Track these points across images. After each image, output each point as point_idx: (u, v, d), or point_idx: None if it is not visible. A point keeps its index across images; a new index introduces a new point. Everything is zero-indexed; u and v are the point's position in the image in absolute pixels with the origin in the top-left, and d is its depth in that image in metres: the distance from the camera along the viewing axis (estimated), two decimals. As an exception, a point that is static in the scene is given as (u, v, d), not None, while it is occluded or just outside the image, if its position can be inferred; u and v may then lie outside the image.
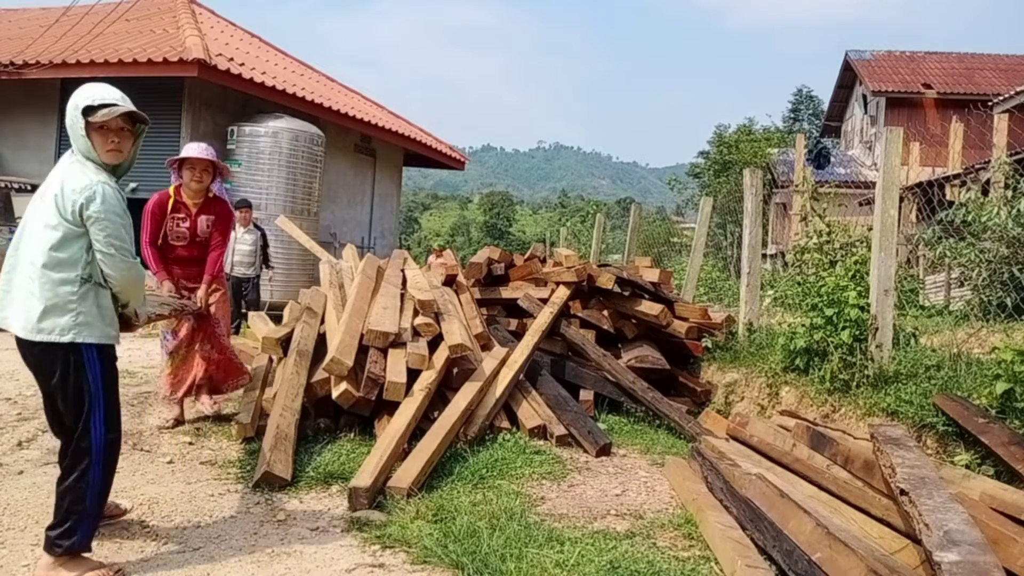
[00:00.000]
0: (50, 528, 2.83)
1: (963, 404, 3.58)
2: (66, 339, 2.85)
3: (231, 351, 5.04)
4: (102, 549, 3.11)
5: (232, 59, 11.69)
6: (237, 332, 8.52)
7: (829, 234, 6.09)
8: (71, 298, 2.84)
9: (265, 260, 9.37)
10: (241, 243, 9.04)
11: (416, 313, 5.38)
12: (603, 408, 5.70)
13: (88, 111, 2.89)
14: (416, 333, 5.17)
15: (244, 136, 11.32)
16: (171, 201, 5.00)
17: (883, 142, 4.60)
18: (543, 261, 6.99)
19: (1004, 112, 14.18)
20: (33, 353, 2.88)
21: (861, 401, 4.24)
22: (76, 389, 2.94)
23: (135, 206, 11.52)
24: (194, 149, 5.02)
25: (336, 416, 4.85)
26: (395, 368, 4.73)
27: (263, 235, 9.28)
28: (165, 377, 5.05)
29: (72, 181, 2.82)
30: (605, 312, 6.26)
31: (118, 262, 2.89)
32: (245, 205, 9.33)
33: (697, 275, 8.98)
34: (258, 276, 9.30)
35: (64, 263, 2.83)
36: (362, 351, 4.86)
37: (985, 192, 8.59)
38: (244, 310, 8.98)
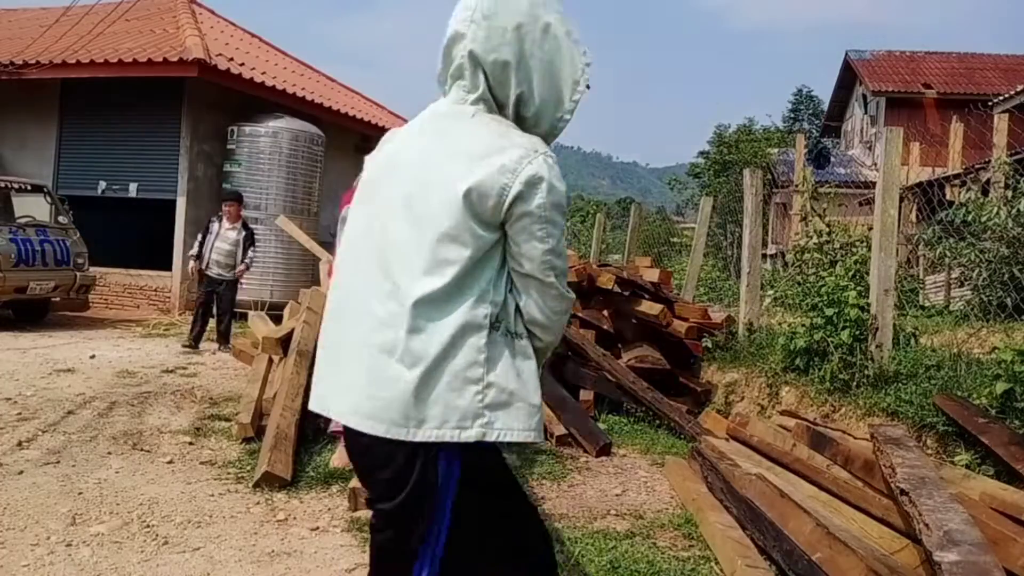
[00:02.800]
0: None
1: (963, 404, 3.58)
2: (467, 435, 1.53)
3: None
4: (102, 549, 3.11)
5: (232, 59, 11.69)
6: (222, 338, 8.33)
7: (829, 234, 6.09)
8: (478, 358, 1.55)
9: (243, 258, 8.44)
10: (223, 240, 8.29)
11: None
12: (603, 408, 5.70)
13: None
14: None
15: (244, 136, 11.32)
16: None
17: (883, 142, 4.60)
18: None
19: (1004, 112, 14.17)
20: (396, 460, 1.58)
21: (861, 401, 4.24)
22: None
23: (136, 206, 11.39)
24: None
25: (336, 416, 4.84)
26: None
27: (250, 235, 8.52)
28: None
29: (509, 152, 1.57)
30: (605, 312, 6.25)
31: (560, 297, 1.63)
32: (234, 198, 8.66)
33: (697, 275, 8.98)
34: (236, 280, 8.49)
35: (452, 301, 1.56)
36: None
37: (985, 192, 8.59)
38: (216, 314, 8.40)
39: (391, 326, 1.53)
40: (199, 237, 8.51)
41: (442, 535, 1.58)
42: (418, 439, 1.51)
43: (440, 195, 1.54)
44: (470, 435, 1.51)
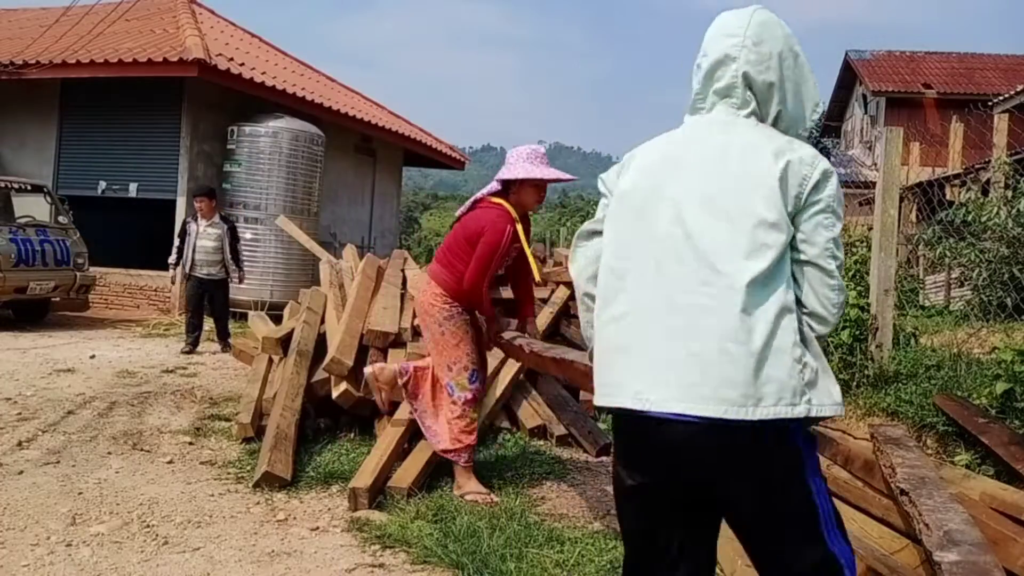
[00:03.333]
0: None
1: (963, 404, 3.58)
2: (798, 411, 1.61)
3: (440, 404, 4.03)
4: (102, 549, 3.11)
5: (232, 59, 11.69)
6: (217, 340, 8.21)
7: (829, 234, 6.08)
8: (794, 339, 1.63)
9: (235, 258, 8.20)
10: (204, 238, 7.97)
11: (415, 314, 5.37)
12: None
13: None
14: (416, 333, 5.17)
15: (244, 136, 11.32)
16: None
17: (883, 142, 4.60)
18: (543, 261, 6.99)
19: (1004, 112, 14.17)
20: (736, 443, 1.61)
21: (861, 401, 4.24)
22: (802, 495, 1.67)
23: (136, 206, 11.36)
24: (541, 160, 3.91)
25: (336, 416, 4.85)
26: (395, 368, 4.72)
27: (231, 229, 8.24)
28: (467, 431, 3.90)
29: (799, 148, 1.71)
30: (605, 312, 6.24)
31: (839, 289, 1.74)
32: (204, 193, 8.19)
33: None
34: (226, 278, 8.22)
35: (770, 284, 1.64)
36: (362, 351, 4.86)
37: (985, 192, 8.59)
38: (213, 317, 8.25)
39: (717, 311, 1.61)
40: (176, 241, 8.18)
41: (827, 505, 1.67)
42: (757, 417, 1.57)
43: (751, 185, 1.66)
44: (800, 411, 1.60)
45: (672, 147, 1.81)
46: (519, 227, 3.86)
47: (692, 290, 1.64)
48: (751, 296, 1.60)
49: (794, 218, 1.67)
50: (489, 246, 3.77)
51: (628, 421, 1.72)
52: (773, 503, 1.64)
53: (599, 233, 1.88)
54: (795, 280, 1.70)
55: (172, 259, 8.17)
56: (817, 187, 1.67)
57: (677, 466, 1.66)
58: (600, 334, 1.79)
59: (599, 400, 1.79)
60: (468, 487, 3.82)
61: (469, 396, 3.92)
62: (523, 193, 3.92)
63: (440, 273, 3.98)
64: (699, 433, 1.60)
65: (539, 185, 3.96)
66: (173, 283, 8.45)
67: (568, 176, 4.26)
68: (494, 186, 3.98)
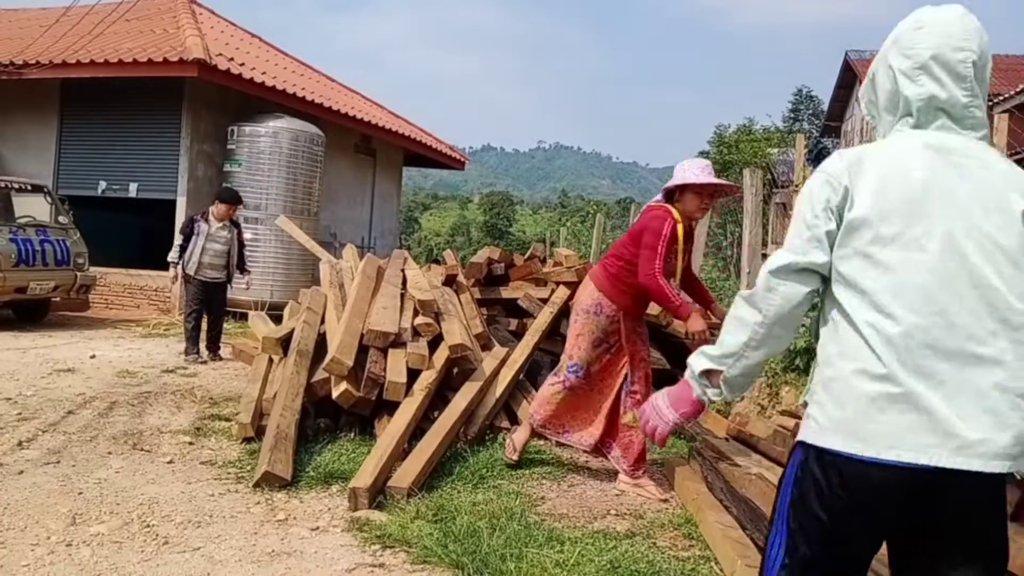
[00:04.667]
0: None
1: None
2: None
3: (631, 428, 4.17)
4: (102, 549, 3.11)
5: (232, 59, 11.69)
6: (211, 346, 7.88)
7: (829, 234, 6.09)
8: None
9: (240, 263, 8.02)
10: (214, 240, 7.71)
11: (416, 313, 5.38)
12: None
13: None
14: (416, 333, 5.17)
15: (244, 136, 11.32)
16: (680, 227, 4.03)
17: (883, 142, 4.59)
18: (543, 261, 6.99)
19: (1004, 112, 14.17)
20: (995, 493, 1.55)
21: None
22: None
23: (136, 206, 11.31)
24: (704, 169, 4.04)
25: (336, 416, 4.85)
26: (395, 368, 4.73)
27: (239, 234, 8.04)
28: (544, 405, 4.29)
29: None
30: (605, 312, 6.24)
31: None
32: (234, 201, 8.01)
33: (697, 275, 8.97)
34: (229, 281, 7.99)
35: None
36: (362, 351, 4.86)
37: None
38: (209, 318, 7.90)
39: (1011, 365, 1.50)
40: (179, 239, 7.73)
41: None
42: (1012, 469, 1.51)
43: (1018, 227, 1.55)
44: None
45: (923, 170, 1.59)
46: (681, 228, 4.00)
47: (988, 342, 1.52)
48: None
49: None
50: (654, 234, 3.94)
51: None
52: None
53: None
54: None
55: (174, 257, 7.73)
56: None
57: (961, 513, 1.58)
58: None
59: (889, 453, 1.51)
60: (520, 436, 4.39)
61: (559, 379, 4.27)
62: (685, 200, 4.06)
63: (597, 271, 4.30)
64: (977, 483, 1.54)
65: (700, 192, 4.05)
66: (175, 282, 7.97)
67: (727, 183, 4.28)
68: (658, 197, 4.17)
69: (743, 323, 1.66)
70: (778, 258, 1.61)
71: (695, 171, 4.02)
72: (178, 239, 7.79)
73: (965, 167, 1.59)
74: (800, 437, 1.64)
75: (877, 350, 1.52)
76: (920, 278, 1.52)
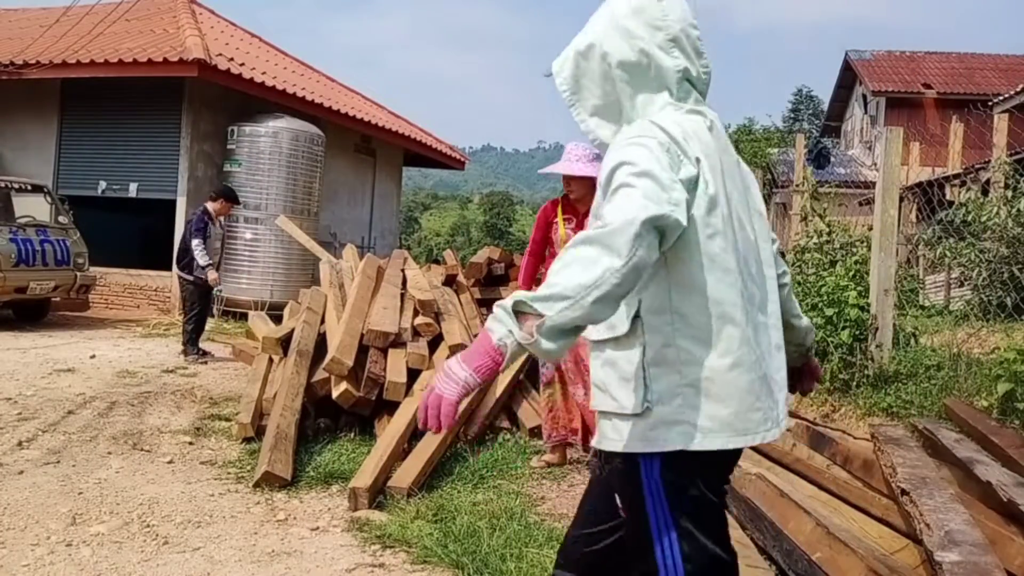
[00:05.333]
0: None
1: (974, 408, 3.58)
2: None
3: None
4: (102, 549, 3.11)
5: (232, 59, 11.69)
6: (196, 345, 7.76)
7: (829, 234, 6.09)
8: None
9: (220, 259, 8.25)
10: (216, 239, 7.91)
11: (416, 313, 5.38)
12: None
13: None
14: (416, 333, 5.17)
15: (244, 136, 11.31)
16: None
17: (883, 142, 4.60)
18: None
19: (1004, 112, 14.17)
20: None
21: (861, 401, 4.24)
22: None
23: (136, 206, 11.29)
24: (562, 164, 4.27)
25: (336, 416, 4.85)
26: (395, 368, 4.73)
27: (224, 231, 8.33)
28: (543, 412, 4.53)
29: None
30: (605, 312, 6.24)
31: None
32: (236, 199, 8.30)
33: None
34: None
35: None
36: (362, 351, 4.86)
37: (985, 192, 8.58)
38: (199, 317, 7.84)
39: (780, 325, 1.67)
40: (202, 243, 7.63)
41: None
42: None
43: (759, 195, 1.72)
44: None
45: (706, 139, 1.60)
46: (560, 214, 4.42)
47: (771, 301, 1.67)
48: None
49: None
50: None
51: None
52: None
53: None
54: None
55: (206, 261, 7.55)
56: None
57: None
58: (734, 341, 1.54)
59: (760, 438, 1.56)
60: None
61: (542, 380, 4.52)
62: None
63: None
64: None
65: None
66: (219, 289, 7.98)
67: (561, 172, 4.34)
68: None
69: (591, 263, 1.37)
70: (651, 208, 1.39)
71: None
72: (199, 242, 7.62)
73: (728, 148, 1.66)
74: (660, 448, 1.51)
75: (747, 335, 1.52)
76: (737, 258, 1.56)
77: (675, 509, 1.54)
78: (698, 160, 1.54)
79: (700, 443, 1.50)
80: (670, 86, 1.61)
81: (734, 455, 1.61)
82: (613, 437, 1.57)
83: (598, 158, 4.18)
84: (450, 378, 1.40)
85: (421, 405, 1.43)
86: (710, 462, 1.54)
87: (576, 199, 4.35)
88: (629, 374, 1.52)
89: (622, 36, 1.60)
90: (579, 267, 1.37)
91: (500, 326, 1.37)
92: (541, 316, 1.35)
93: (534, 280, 4.46)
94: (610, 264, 1.36)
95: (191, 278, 7.70)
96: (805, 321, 1.94)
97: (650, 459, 1.53)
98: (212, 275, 7.65)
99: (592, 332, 1.59)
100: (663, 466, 1.53)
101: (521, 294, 1.39)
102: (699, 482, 1.55)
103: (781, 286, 1.77)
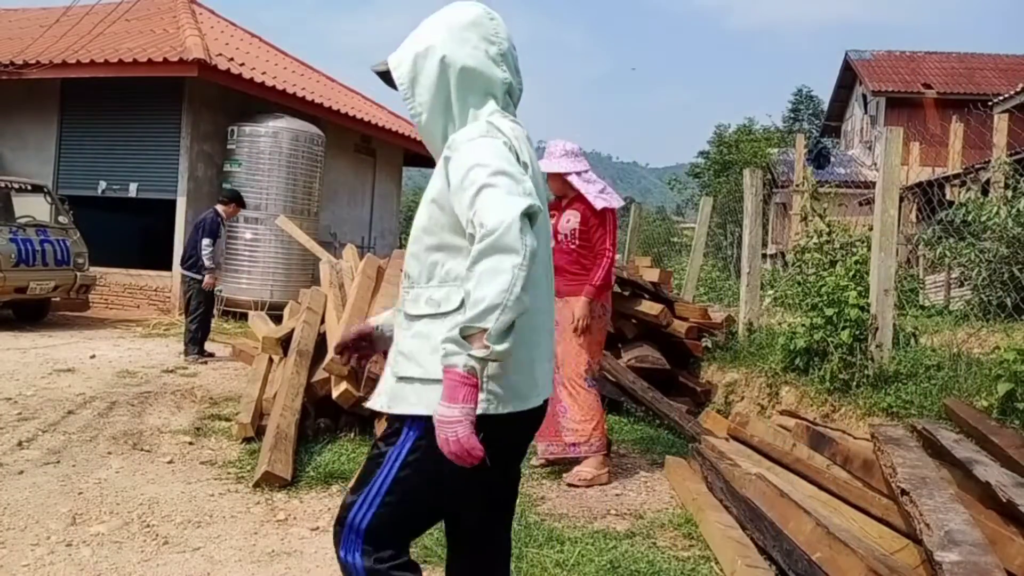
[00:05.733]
0: None
1: (973, 408, 3.58)
2: None
3: (564, 409, 4.28)
4: (102, 549, 3.11)
5: (232, 59, 11.69)
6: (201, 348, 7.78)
7: (829, 234, 6.09)
8: None
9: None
10: (223, 242, 8.06)
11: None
12: (603, 408, 5.68)
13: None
14: (416, 333, 5.17)
15: (244, 136, 11.31)
16: None
17: (883, 142, 4.60)
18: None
19: (1004, 112, 14.17)
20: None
21: (861, 401, 4.24)
22: None
23: (136, 206, 11.28)
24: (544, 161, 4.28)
25: (336, 416, 4.85)
26: (395, 368, 4.72)
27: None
28: (599, 428, 4.31)
29: None
30: (605, 312, 6.24)
31: None
32: (244, 204, 8.55)
33: (697, 275, 8.98)
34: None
35: None
36: (362, 351, 4.85)
37: (985, 192, 8.59)
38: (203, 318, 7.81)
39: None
40: (211, 244, 7.67)
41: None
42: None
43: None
44: None
45: (525, 147, 1.83)
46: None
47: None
48: None
49: None
50: None
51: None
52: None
53: None
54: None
55: (211, 263, 7.65)
56: None
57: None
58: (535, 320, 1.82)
59: (536, 400, 1.81)
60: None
61: (594, 385, 4.48)
62: None
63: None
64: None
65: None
66: (219, 289, 8.00)
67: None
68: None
69: (498, 271, 1.54)
70: (519, 202, 1.58)
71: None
72: (209, 242, 7.66)
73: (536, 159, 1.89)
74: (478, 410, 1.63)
75: (541, 313, 1.82)
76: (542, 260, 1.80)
77: (430, 460, 1.67)
78: (526, 165, 1.75)
79: (498, 408, 1.70)
80: (496, 95, 1.82)
81: (518, 420, 1.78)
82: (414, 401, 1.74)
83: (568, 154, 4.27)
84: (449, 424, 1.55)
85: (447, 452, 1.57)
86: (504, 424, 1.74)
87: (557, 193, 4.44)
88: (440, 346, 1.63)
89: (460, 44, 1.79)
90: (490, 277, 1.54)
91: (458, 356, 1.54)
92: (485, 329, 1.53)
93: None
94: (513, 262, 1.54)
95: (199, 277, 7.74)
96: None
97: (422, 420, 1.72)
98: (209, 279, 7.72)
99: (411, 307, 1.79)
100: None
101: (460, 322, 1.56)
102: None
103: None
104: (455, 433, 1.54)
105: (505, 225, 1.54)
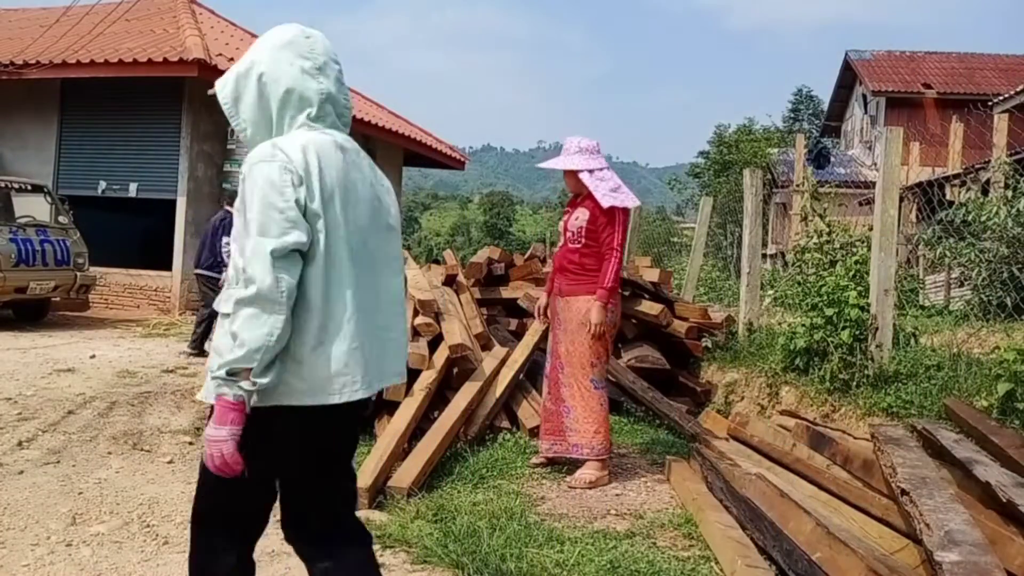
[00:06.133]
0: None
1: (973, 408, 3.58)
2: None
3: (568, 409, 4.29)
4: (102, 549, 3.11)
5: (232, 59, 11.68)
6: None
7: (829, 234, 6.09)
8: None
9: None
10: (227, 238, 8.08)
11: (416, 313, 5.37)
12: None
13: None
14: (416, 333, 5.17)
15: (244, 136, 11.31)
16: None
17: (883, 142, 4.60)
18: (543, 261, 6.98)
19: (1004, 112, 14.17)
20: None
21: (861, 401, 4.24)
22: None
23: (136, 206, 11.30)
24: (553, 160, 4.41)
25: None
26: (395, 368, 4.72)
27: None
28: (603, 431, 4.30)
29: None
30: (605, 312, 6.24)
31: None
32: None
33: (697, 275, 8.98)
34: None
35: None
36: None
37: (985, 192, 8.59)
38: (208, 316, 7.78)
39: (402, 314, 2.12)
40: (229, 243, 7.71)
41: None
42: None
43: (394, 211, 2.12)
44: None
45: (335, 162, 1.91)
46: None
47: (384, 293, 2.03)
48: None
49: None
50: None
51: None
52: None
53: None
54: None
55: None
56: None
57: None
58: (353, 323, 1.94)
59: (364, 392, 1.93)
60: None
61: (601, 389, 4.44)
62: None
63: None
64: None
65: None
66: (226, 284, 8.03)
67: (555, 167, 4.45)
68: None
69: (258, 319, 1.73)
70: (275, 246, 1.75)
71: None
72: (227, 240, 7.63)
73: (358, 165, 2.00)
74: (270, 401, 1.81)
75: (356, 317, 1.88)
76: (347, 264, 1.88)
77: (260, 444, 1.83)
78: (320, 179, 1.85)
79: (295, 400, 1.83)
80: (312, 106, 1.95)
81: (321, 413, 1.88)
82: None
83: (582, 151, 4.26)
84: (217, 441, 1.75)
85: (211, 467, 1.78)
86: (308, 415, 1.86)
87: (572, 191, 4.46)
88: (211, 378, 1.81)
89: (276, 62, 1.94)
90: (252, 324, 1.73)
91: (228, 388, 1.74)
92: (249, 368, 1.73)
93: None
94: (272, 310, 1.74)
95: (219, 276, 7.61)
96: None
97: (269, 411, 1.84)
98: (222, 276, 7.65)
99: (225, 307, 1.86)
100: (273, 417, 1.83)
101: (226, 363, 1.73)
102: (296, 434, 1.88)
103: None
104: (220, 451, 1.75)
105: (264, 283, 1.73)
